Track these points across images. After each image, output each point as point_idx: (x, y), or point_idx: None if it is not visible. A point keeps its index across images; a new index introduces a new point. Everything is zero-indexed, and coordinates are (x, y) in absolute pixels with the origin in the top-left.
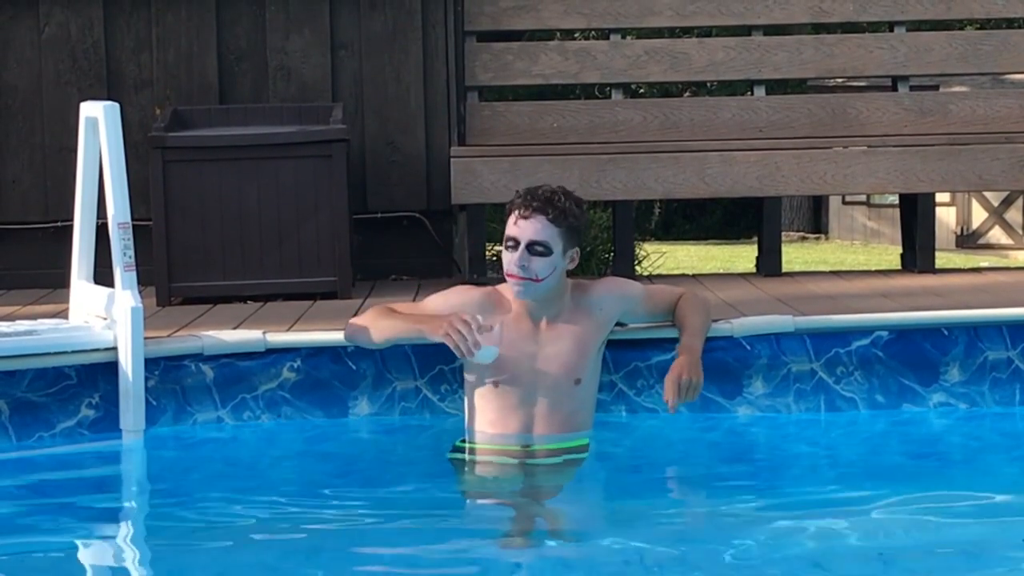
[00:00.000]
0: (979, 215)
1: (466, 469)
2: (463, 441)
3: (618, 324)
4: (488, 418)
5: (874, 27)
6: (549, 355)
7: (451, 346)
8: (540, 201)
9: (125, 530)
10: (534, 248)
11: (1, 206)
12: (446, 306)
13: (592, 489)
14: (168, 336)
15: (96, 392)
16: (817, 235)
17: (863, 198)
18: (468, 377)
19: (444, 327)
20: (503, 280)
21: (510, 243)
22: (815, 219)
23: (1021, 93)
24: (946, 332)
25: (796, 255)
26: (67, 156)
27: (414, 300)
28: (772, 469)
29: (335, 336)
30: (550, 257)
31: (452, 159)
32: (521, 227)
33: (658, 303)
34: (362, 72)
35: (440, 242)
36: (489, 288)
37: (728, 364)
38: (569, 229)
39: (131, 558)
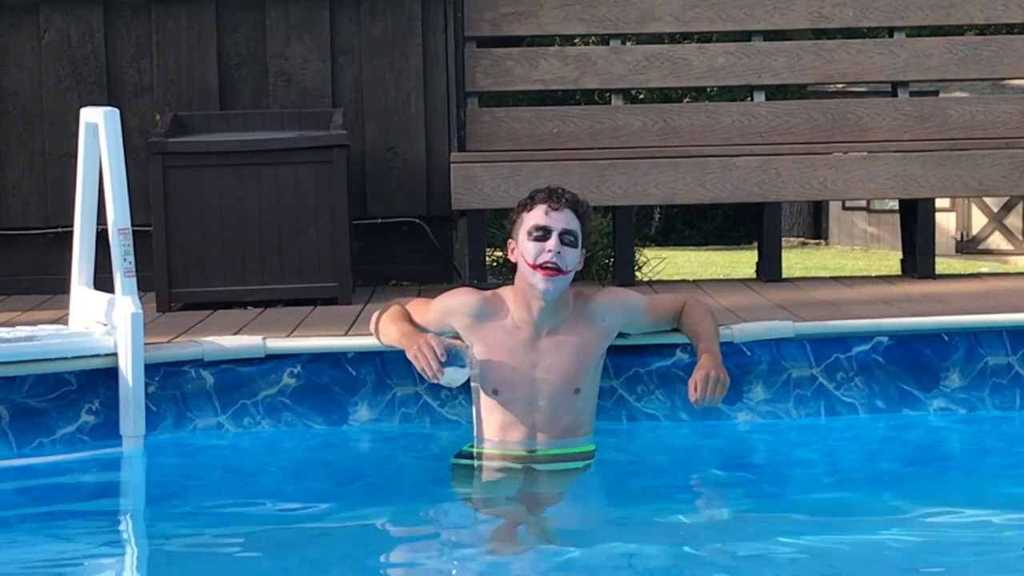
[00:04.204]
0: (979, 221)
1: (469, 475)
2: (471, 446)
3: (620, 335)
4: (492, 427)
5: (874, 33)
6: (549, 364)
7: (417, 369)
8: (570, 195)
9: (125, 537)
10: (566, 237)
11: (1, 212)
12: (445, 308)
13: (592, 495)
14: (168, 342)
15: (96, 398)
16: (817, 240)
17: (863, 203)
18: (472, 384)
19: (413, 349)
20: (502, 285)
21: (539, 233)
22: (815, 224)
23: (1021, 98)
24: (946, 338)
25: (796, 261)
26: (67, 162)
27: None
28: (772, 475)
29: (335, 342)
30: (577, 249)
31: (452, 165)
32: (553, 217)
33: (661, 313)
34: (362, 78)
35: (440, 248)
36: (490, 293)
37: (729, 370)
38: (586, 229)
39: (131, 565)
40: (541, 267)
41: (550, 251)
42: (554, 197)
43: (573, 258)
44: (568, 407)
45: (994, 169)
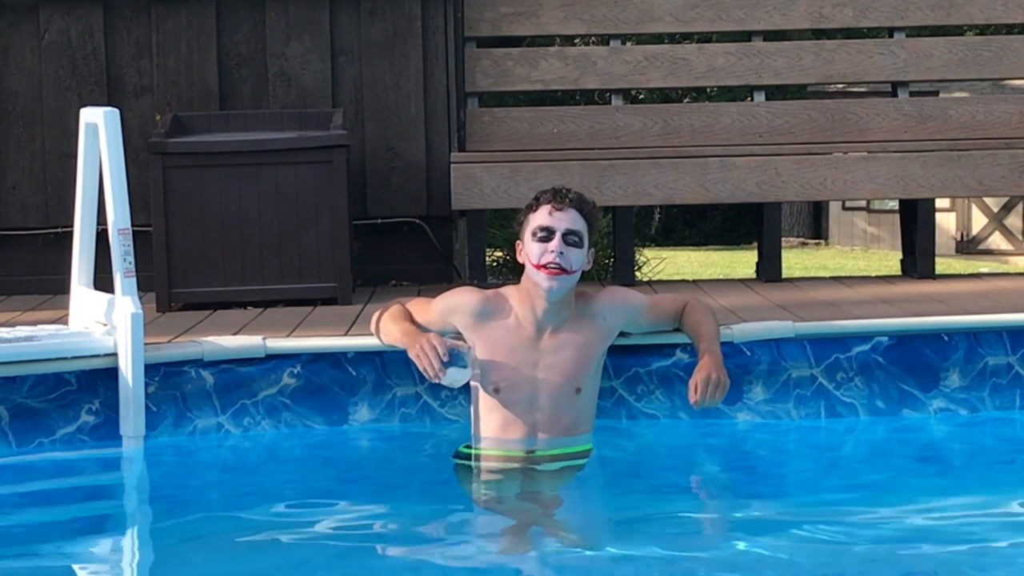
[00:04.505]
0: (979, 221)
1: (469, 475)
2: (468, 446)
3: (620, 334)
4: (492, 425)
5: (874, 33)
6: (550, 363)
7: (419, 368)
8: (574, 195)
9: (125, 537)
10: (569, 238)
11: (1, 212)
12: (447, 307)
13: (592, 495)
14: (168, 342)
15: (96, 398)
16: (817, 241)
17: (863, 204)
18: (472, 383)
19: (416, 348)
20: (502, 285)
21: (542, 233)
22: (815, 225)
23: (1021, 99)
24: (946, 338)
25: (796, 261)
26: (67, 162)
27: None
28: (772, 475)
29: (335, 342)
30: (582, 249)
31: (452, 165)
32: (557, 217)
33: (662, 313)
34: (362, 78)
35: (440, 248)
36: (492, 292)
37: (729, 370)
38: (593, 228)
39: (131, 565)
40: (545, 267)
41: (553, 251)
42: (558, 197)
43: (578, 258)
44: (569, 406)
45: (994, 169)
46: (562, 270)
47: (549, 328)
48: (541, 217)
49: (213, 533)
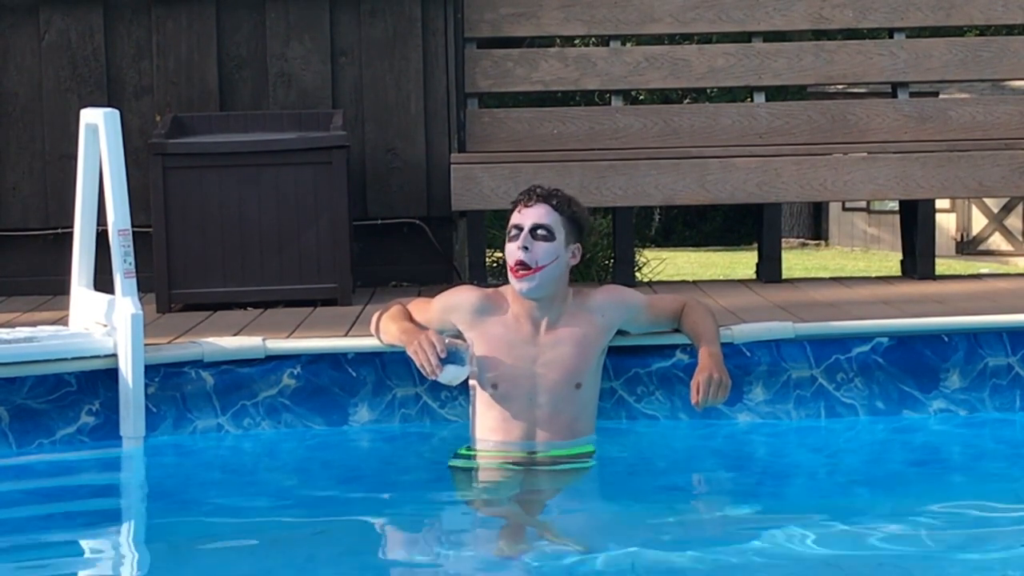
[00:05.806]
0: (979, 221)
1: (469, 476)
2: (468, 448)
3: (620, 333)
4: (491, 424)
5: (874, 34)
6: (549, 359)
7: (416, 364)
8: (543, 190)
9: (125, 538)
10: (537, 232)
11: (1, 213)
12: (446, 305)
13: (592, 496)
14: (168, 343)
15: (96, 399)
16: (817, 241)
17: (863, 204)
18: (471, 381)
19: (413, 345)
20: (501, 285)
21: (513, 232)
22: (815, 225)
23: (1021, 99)
24: (946, 339)
25: (796, 261)
26: (67, 163)
27: None
28: (772, 476)
29: (335, 343)
30: (553, 243)
31: (452, 165)
32: (524, 214)
33: (660, 313)
34: (362, 79)
35: (440, 248)
36: (491, 290)
37: (728, 370)
38: (571, 220)
39: (131, 566)
40: (513, 269)
41: (518, 247)
42: (528, 195)
43: (546, 252)
44: (569, 403)
45: (994, 170)
46: (527, 267)
47: (545, 322)
48: (513, 217)
49: (213, 534)
